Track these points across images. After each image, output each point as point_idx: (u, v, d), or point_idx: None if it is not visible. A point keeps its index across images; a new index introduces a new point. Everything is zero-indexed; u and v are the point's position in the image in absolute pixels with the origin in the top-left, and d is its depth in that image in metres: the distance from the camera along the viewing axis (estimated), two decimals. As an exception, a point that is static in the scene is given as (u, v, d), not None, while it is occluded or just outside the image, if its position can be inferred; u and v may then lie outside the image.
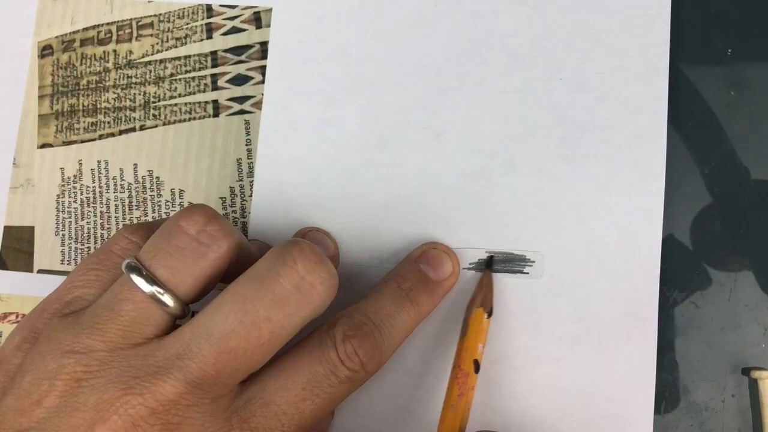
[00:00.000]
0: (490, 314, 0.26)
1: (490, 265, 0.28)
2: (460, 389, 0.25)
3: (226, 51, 0.31)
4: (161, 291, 0.22)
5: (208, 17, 0.32)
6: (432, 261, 0.28)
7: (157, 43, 0.32)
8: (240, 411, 0.22)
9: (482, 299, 0.27)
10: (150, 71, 0.32)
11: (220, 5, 0.32)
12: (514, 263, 0.28)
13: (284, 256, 0.22)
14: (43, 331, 0.23)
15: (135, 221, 0.31)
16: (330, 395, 0.23)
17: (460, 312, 0.28)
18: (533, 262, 0.28)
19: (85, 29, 0.33)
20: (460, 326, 0.27)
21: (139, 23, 0.32)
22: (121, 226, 0.31)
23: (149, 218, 0.31)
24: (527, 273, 0.28)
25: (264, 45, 0.31)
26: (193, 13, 0.32)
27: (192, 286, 0.23)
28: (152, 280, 0.22)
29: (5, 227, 0.32)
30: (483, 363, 0.28)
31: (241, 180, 0.30)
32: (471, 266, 0.28)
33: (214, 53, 0.31)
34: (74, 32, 0.33)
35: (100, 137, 0.32)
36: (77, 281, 0.24)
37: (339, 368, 0.23)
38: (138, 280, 0.22)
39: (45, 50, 0.33)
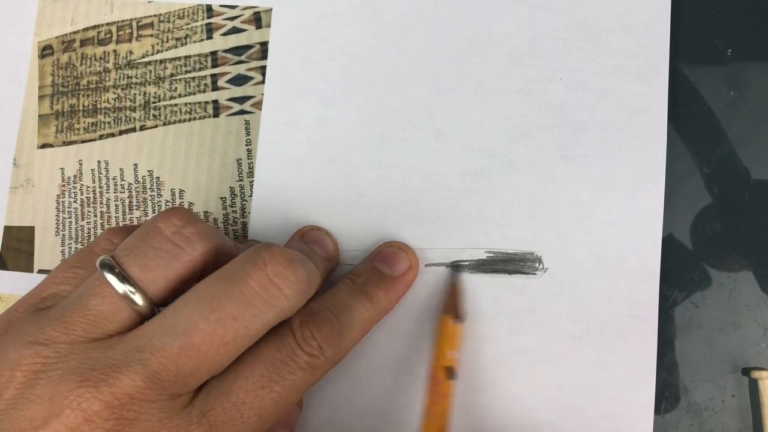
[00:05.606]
0: (461, 319, 0.26)
1: (457, 269, 0.28)
2: (432, 397, 0.25)
3: (226, 51, 0.31)
4: (132, 290, 0.22)
5: (208, 17, 0.32)
6: (387, 258, 0.28)
7: (157, 44, 0.32)
8: (199, 404, 0.22)
9: (447, 305, 0.26)
10: (150, 71, 0.32)
11: (220, 5, 0.32)
12: (514, 263, 0.28)
13: (255, 258, 0.22)
14: (13, 323, 0.23)
15: (135, 221, 0.31)
16: (290, 382, 0.23)
17: (460, 312, 0.28)
18: (533, 261, 0.28)
19: (85, 29, 0.33)
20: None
21: (139, 23, 0.32)
22: (121, 226, 0.31)
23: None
24: (527, 273, 0.28)
25: (264, 45, 0.31)
26: (193, 13, 0.32)
27: (163, 287, 0.23)
28: (124, 277, 0.22)
29: (5, 227, 0.32)
30: (483, 363, 0.28)
31: (241, 180, 0.30)
32: (469, 265, 0.28)
33: (214, 53, 0.31)
34: (74, 32, 0.33)
35: (100, 137, 0.32)
36: (56, 278, 0.24)
37: (297, 353, 0.23)
38: (110, 277, 0.22)
39: (45, 50, 0.33)
